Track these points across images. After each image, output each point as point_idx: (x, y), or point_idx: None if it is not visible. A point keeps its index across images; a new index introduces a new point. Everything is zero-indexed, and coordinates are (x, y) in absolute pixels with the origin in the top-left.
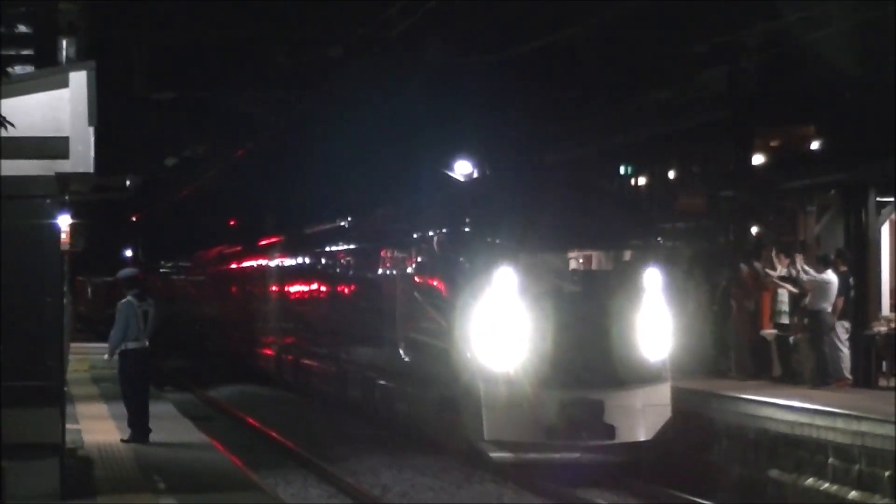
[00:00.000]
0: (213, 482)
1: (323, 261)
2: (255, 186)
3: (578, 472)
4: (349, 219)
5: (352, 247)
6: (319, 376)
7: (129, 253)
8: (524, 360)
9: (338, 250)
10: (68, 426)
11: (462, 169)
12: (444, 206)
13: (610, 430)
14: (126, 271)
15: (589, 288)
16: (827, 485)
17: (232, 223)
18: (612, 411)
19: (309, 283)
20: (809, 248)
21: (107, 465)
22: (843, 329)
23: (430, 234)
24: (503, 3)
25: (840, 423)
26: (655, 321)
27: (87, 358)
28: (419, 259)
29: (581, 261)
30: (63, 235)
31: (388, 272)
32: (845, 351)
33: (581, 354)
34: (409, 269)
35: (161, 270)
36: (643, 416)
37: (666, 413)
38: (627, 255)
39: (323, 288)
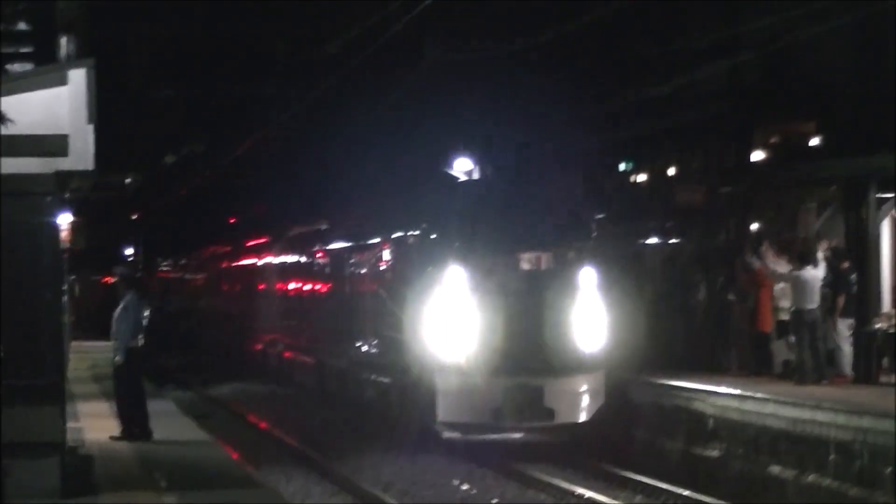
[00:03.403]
0: (215, 480)
1: (302, 261)
2: (248, 186)
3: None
4: (327, 222)
5: (328, 248)
6: (301, 369)
7: (128, 251)
8: (473, 351)
9: (315, 251)
10: (69, 424)
11: (462, 166)
12: (403, 211)
13: (549, 413)
14: (125, 269)
15: (531, 285)
16: (829, 481)
17: (226, 222)
18: (552, 396)
19: (290, 282)
20: (808, 245)
21: (108, 463)
22: (844, 326)
23: (391, 236)
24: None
25: (842, 419)
26: (591, 316)
27: (87, 356)
28: (382, 260)
29: (530, 261)
30: (63, 233)
31: (357, 272)
32: (846, 348)
33: (523, 345)
34: (375, 269)
35: (159, 269)
36: (579, 401)
37: (600, 398)
38: (567, 255)
39: (302, 286)
